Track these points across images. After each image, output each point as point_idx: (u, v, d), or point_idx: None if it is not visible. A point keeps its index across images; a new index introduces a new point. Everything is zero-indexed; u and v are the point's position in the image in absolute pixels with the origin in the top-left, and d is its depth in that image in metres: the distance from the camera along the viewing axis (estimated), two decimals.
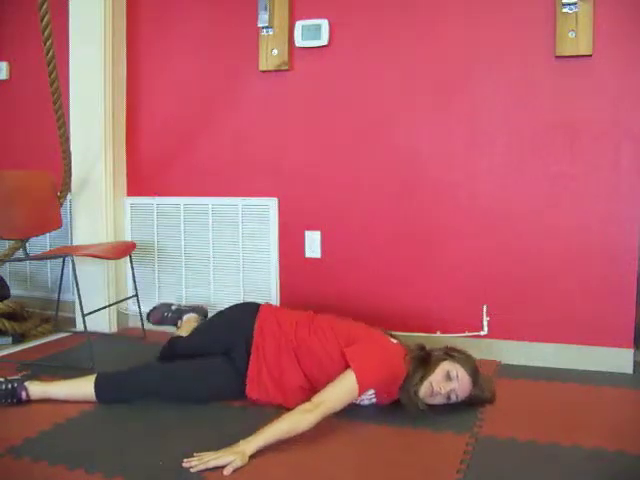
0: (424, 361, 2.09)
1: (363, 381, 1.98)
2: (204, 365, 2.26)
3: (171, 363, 2.31)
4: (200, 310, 2.97)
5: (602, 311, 2.63)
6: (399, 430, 2.02)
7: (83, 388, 2.19)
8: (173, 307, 2.98)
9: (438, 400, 2.08)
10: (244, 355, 2.22)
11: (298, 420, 1.85)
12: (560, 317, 2.69)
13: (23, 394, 2.15)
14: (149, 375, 2.24)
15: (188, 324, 2.80)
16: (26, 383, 2.18)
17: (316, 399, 1.93)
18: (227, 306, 2.56)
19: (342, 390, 1.96)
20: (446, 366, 2.07)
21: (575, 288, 2.67)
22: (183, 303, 3.12)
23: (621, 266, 2.60)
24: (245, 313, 2.36)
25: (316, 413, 1.87)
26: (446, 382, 2.06)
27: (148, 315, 3.01)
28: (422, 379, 2.05)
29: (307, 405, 1.90)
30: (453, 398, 2.08)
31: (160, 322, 2.97)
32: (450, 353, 2.12)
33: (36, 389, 2.18)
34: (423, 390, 2.05)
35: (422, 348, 2.17)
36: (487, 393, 2.18)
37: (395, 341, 2.18)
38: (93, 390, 2.17)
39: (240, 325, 2.30)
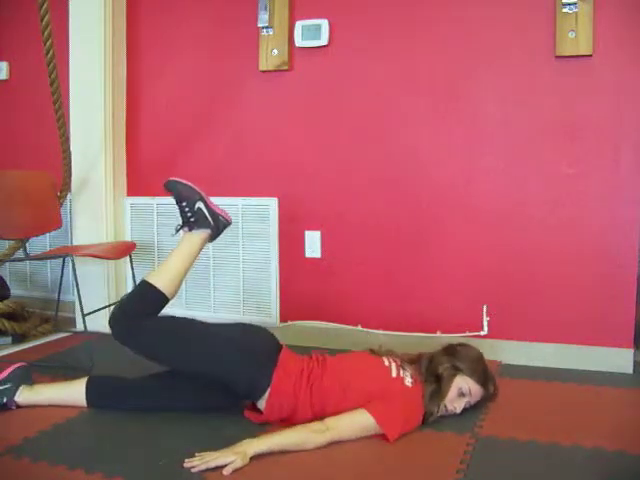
0: (438, 389, 2.05)
1: (394, 437, 1.92)
2: (205, 388, 2.12)
3: (171, 378, 2.14)
4: (221, 224, 2.22)
5: (602, 311, 2.63)
6: None
7: (73, 395, 2.14)
8: (197, 206, 2.17)
9: (454, 413, 2.08)
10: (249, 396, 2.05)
11: (307, 437, 1.84)
12: (560, 317, 2.69)
13: (13, 407, 2.12)
14: (146, 390, 2.14)
15: (188, 245, 2.18)
16: (16, 396, 2.11)
17: (329, 422, 1.90)
18: (232, 322, 2.22)
19: (357, 427, 1.92)
20: (457, 383, 2.05)
21: (575, 288, 2.67)
22: (214, 204, 2.24)
23: (621, 266, 2.60)
24: (262, 360, 2.03)
25: (326, 436, 1.86)
26: (460, 400, 2.06)
27: (169, 182, 2.23)
28: (439, 407, 2.04)
29: (319, 425, 1.89)
30: (467, 407, 2.09)
31: (175, 199, 2.22)
32: (458, 366, 2.07)
33: (25, 399, 2.13)
34: (440, 412, 2.05)
35: (430, 366, 2.09)
36: (492, 389, 2.17)
37: (410, 379, 2.06)
38: (84, 398, 2.13)
39: (253, 373, 2.01)
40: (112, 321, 2.06)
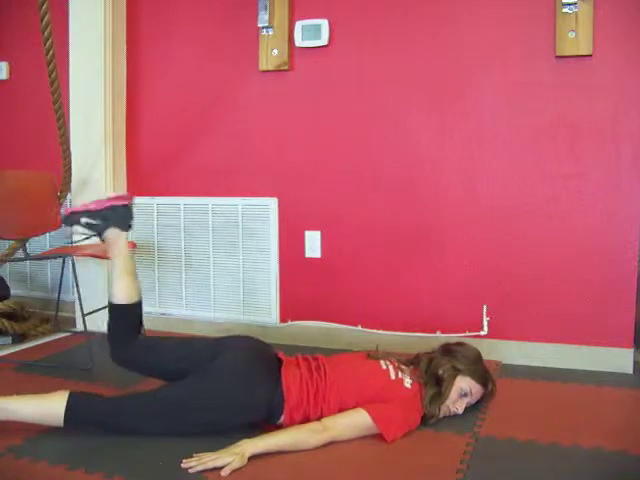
0: (439, 391, 2.04)
1: (392, 438, 1.92)
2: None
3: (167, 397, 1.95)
4: (118, 211, 2.14)
5: (602, 311, 2.63)
6: None
7: (51, 412, 1.88)
8: (83, 220, 2.13)
9: (456, 413, 2.08)
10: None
11: (305, 437, 1.84)
12: (560, 317, 2.69)
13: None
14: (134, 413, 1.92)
15: (118, 263, 2.12)
16: None
17: (327, 422, 1.90)
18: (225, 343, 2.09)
19: (355, 427, 1.92)
20: (458, 383, 2.05)
21: (575, 288, 2.67)
22: (97, 202, 2.15)
23: (621, 266, 2.60)
24: (266, 386, 1.96)
25: (324, 436, 1.86)
26: (461, 400, 2.07)
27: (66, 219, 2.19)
28: (440, 408, 2.04)
29: (317, 425, 1.89)
30: (467, 406, 2.10)
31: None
32: (457, 367, 2.06)
33: None
34: (442, 413, 2.05)
35: (429, 367, 2.09)
36: (491, 387, 2.18)
37: (408, 380, 2.05)
38: (62, 415, 1.87)
39: (262, 401, 1.95)
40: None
